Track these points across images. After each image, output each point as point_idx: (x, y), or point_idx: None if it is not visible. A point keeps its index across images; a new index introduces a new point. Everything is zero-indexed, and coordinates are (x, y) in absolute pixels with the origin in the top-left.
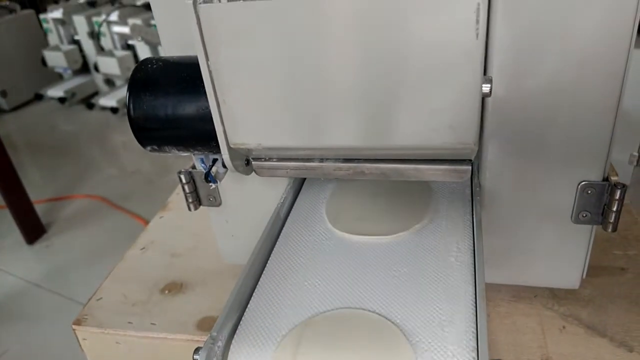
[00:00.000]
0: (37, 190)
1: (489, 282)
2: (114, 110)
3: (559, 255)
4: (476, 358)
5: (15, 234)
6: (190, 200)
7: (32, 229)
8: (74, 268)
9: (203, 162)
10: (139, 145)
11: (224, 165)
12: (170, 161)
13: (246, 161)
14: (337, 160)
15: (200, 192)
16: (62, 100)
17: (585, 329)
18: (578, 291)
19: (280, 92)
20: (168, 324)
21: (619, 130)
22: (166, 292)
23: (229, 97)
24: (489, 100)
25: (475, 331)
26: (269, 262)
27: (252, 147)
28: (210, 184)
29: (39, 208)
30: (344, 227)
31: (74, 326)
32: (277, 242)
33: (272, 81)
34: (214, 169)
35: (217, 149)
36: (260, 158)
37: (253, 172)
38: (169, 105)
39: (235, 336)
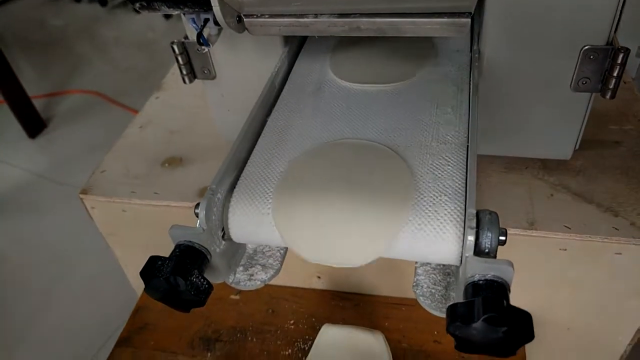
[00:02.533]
0: (31, 85)
1: (482, 154)
2: (102, 2)
3: (554, 126)
4: (464, 207)
5: (16, 129)
6: (184, 72)
7: (33, 124)
8: (77, 159)
9: (194, 22)
10: (131, 41)
11: (215, 23)
12: (166, 55)
13: (237, 18)
14: (331, 15)
15: (194, 63)
16: None
17: (572, 196)
18: (569, 162)
19: None
20: (170, 194)
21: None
22: (166, 165)
23: None
24: None
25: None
26: (266, 125)
27: None
28: (203, 47)
29: (36, 103)
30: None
31: (81, 195)
32: (274, 108)
33: None
34: (205, 30)
35: (208, 6)
36: (252, 14)
37: (246, 32)
38: None
39: (235, 190)
